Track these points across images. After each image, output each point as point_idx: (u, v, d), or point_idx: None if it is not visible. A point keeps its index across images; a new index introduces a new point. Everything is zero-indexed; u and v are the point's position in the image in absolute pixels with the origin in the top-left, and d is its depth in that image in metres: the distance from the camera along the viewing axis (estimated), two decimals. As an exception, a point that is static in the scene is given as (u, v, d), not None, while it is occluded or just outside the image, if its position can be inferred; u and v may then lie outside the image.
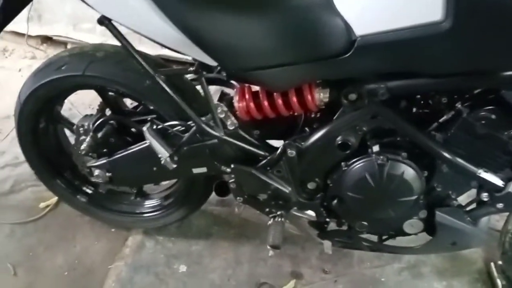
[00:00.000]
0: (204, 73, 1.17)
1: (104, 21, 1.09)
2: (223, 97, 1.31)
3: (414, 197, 1.20)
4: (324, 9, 1.03)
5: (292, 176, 1.26)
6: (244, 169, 1.27)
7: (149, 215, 1.69)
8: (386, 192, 1.19)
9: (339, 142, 1.17)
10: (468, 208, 1.25)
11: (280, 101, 1.17)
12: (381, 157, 1.14)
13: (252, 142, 1.27)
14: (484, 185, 1.15)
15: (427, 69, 1.02)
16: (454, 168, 1.14)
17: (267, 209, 1.36)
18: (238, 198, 1.35)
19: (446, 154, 1.12)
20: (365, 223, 1.32)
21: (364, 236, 1.39)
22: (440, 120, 1.14)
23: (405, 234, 1.32)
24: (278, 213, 1.34)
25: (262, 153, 1.27)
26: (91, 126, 1.35)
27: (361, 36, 1.00)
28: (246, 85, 1.21)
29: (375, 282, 1.68)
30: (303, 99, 1.16)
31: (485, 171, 1.11)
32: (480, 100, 1.08)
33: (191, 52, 1.10)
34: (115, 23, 1.11)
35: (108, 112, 1.46)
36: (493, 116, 1.07)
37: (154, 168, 1.36)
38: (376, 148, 1.16)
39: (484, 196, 1.18)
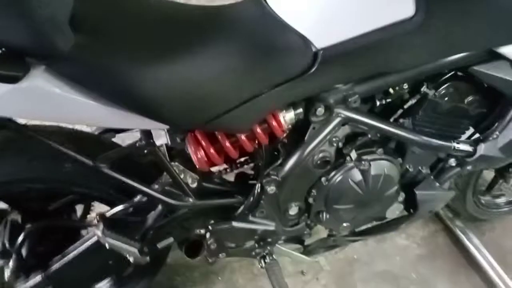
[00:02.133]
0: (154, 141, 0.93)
1: (4, 123, 0.78)
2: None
3: (396, 187, 1.19)
4: (276, 29, 0.90)
5: (275, 212, 1.13)
6: (224, 226, 1.10)
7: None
8: (372, 193, 1.15)
9: (319, 160, 1.07)
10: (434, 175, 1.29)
11: (243, 137, 1.01)
12: (362, 162, 1.08)
13: (223, 192, 1.10)
14: (452, 153, 1.18)
15: (398, 66, 0.97)
16: (427, 148, 1.14)
17: (253, 253, 1.21)
18: (220, 255, 1.17)
19: (418, 138, 1.11)
20: (348, 224, 1.27)
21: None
22: (405, 106, 1.11)
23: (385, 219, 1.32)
24: (265, 252, 1.21)
25: (235, 199, 1.10)
26: (8, 246, 1.01)
27: (322, 48, 0.89)
28: (195, 133, 1.02)
29: (351, 262, 1.69)
30: (267, 127, 1.02)
31: (457, 143, 1.13)
32: (441, 80, 1.08)
33: (133, 124, 0.86)
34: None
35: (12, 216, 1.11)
36: (452, 90, 1.09)
37: (110, 262, 1.10)
38: (353, 154, 1.09)
39: (452, 161, 1.22)
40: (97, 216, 0.97)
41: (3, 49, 0.70)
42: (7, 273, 1.04)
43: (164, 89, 0.81)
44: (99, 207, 1.30)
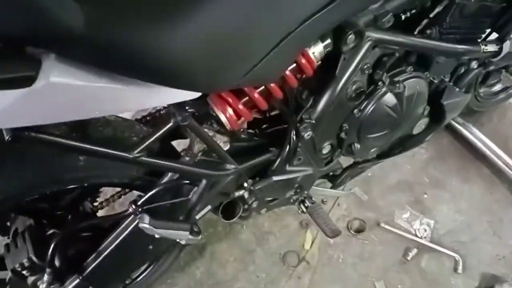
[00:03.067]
0: (188, 112, 0.79)
1: (20, 135, 0.62)
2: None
3: (425, 102, 1.13)
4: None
5: (311, 156, 1.06)
6: (264, 183, 1.02)
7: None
8: (406, 113, 1.09)
9: (353, 92, 0.99)
10: (454, 81, 1.24)
11: (273, 84, 0.90)
12: (396, 85, 1.01)
13: (255, 148, 1.00)
14: (479, 56, 1.12)
15: None
16: (455, 55, 1.08)
17: (291, 200, 1.15)
18: (261, 211, 1.10)
19: (449, 46, 1.04)
20: (376, 148, 1.23)
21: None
22: (431, 15, 1.02)
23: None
24: (302, 197, 1.15)
25: (271, 153, 1.01)
26: (36, 259, 0.89)
27: None
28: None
29: (366, 181, 1.69)
30: (296, 68, 0.91)
31: (485, 45, 1.07)
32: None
33: (165, 100, 0.72)
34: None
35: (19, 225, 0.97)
36: None
37: (150, 246, 1.00)
38: (385, 79, 1.01)
39: (474, 64, 1.17)
40: (134, 205, 0.86)
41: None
42: (42, 287, 0.93)
43: (193, 51, 0.67)
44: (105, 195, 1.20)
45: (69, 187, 0.92)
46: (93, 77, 0.60)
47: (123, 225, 0.94)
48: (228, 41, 0.71)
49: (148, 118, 1.08)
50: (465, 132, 1.78)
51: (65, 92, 0.58)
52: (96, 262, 0.98)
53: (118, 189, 1.15)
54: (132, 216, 0.90)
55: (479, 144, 1.75)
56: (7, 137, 0.63)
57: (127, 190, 1.12)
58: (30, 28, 0.51)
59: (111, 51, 0.59)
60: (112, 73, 0.62)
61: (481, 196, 1.68)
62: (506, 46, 1.10)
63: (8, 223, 1.05)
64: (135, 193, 1.04)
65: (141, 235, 0.91)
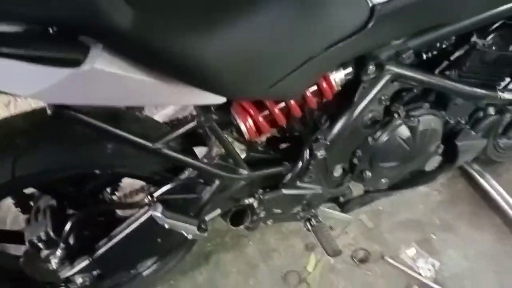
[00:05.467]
0: (212, 116, 0.87)
1: (62, 112, 0.70)
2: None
3: (439, 140, 1.17)
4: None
5: (322, 175, 1.11)
6: (273, 194, 1.07)
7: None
8: (418, 148, 1.13)
9: (368, 120, 1.04)
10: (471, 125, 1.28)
11: (292, 102, 0.96)
12: (411, 118, 1.06)
13: (270, 160, 1.06)
14: (496, 102, 1.16)
15: (454, 17, 0.92)
16: (472, 98, 1.12)
17: (298, 217, 1.20)
18: (268, 222, 1.15)
19: (466, 89, 1.08)
20: (387, 179, 1.26)
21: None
22: (451, 58, 1.07)
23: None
24: (309, 215, 1.20)
25: (284, 167, 1.07)
26: (53, 234, 0.96)
27: (379, 2, 0.84)
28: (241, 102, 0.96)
29: (376, 213, 1.71)
30: (317, 91, 0.97)
31: (502, 92, 1.12)
32: (490, 29, 1.04)
33: (193, 100, 0.79)
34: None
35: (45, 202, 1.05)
36: (499, 39, 1.07)
37: (159, 239, 1.06)
38: (401, 111, 1.06)
39: (491, 110, 1.21)
40: (149, 197, 0.92)
41: (54, 28, 0.62)
42: (54, 262, 1.00)
43: (227, 60, 0.75)
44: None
45: (95, 172, 1.00)
46: (134, 69, 0.68)
47: (137, 214, 1.00)
48: (258, 55, 0.79)
49: (174, 122, 1.16)
50: (481, 180, 1.78)
51: (106, 79, 0.66)
52: (107, 246, 1.04)
53: (136, 186, 1.22)
54: (147, 206, 0.96)
55: (494, 194, 1.75)
56: (50, 112, 0.71)
57: (144, 189, 1.19)
58: (84, 20, 0.60)
59: (153, 50, 0.67)
60: (151, 68, 0.70)
61: (490, 245, 1.67)
62: (524, 96, 1.14)
63: (31, 203, 1.13)
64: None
65: (152, 226, 0.98)
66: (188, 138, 0.96)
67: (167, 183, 0.96)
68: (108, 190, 1.21)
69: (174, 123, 1.08)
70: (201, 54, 0.71)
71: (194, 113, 0.94)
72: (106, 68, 0.64)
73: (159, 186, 1.00)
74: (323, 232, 1.17)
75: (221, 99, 0.81)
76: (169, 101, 0.78)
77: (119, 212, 1.24)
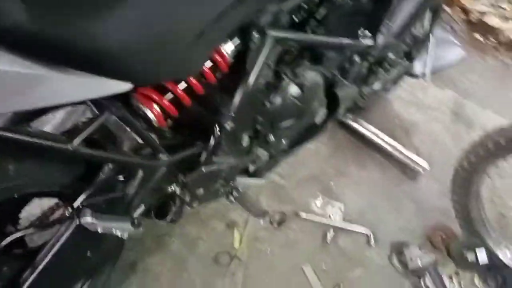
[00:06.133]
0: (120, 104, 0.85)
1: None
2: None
3: (322, 93, 1.31)
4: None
5: (233, 147, 1.16)
6: (195, 174, 1.08)
7: None
8: (309, 103, 1.25)
9: (262, 86, 1.11)
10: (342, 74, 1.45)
11: (194, 80, 0.99)
12: (297, 76, 1.17)
13: (183, 143, 1.07)
14: (358, 49, 1.34)
15: None
16: (340, 48, 1.27)
17: (220, 192, 1.23)
18: (194, 204, 1.16)
19: (336, 40, 1.23)
20: (286, 140, 1.37)
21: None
22: (318, 17, 1.21)
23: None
24: (230, 189, 1.24)
25: (199, 146, 1.09)
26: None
27: None
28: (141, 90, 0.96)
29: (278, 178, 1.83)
30: (213, 65, 1.01)
31: (363, 39, 1.29)
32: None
33: (96, 91, 0.77)
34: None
35: None
36: None
37: (88, 254, 1.00)
38: (288, 72, 1.16)
39: (356, 57, 1.38)
40: (70, 208, 0.87)
41: None
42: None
43: (121, 42, 0.73)
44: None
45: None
46: (30, 64, 0.65)
47: (59, 232, 0.93)
48: (154, 31, 0.79)
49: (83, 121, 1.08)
50: (357, 126, 2.03)
51: (4, 80, 0.61)
52: (33, 277, 0.95)
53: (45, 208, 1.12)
54: (68, 220, 0.90)
55: (370, 135, 2.01)
56: None
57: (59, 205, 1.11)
58: None
59: (50, 43, 0.65)
60: (50, 63, 0.67)
61: (377, 178, 1.92)
62: (380, 39, 1.32)
63: None
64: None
65: (82, 236, 0.92)
66: (100, 135, 0.92)
67: (83, 191, 0.91)
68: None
69: (83, 122, 1.03)
70: (93, 40, 0.69)
71: (95, 111, 0.91)
72: (8, 68, 0.60)
73: (75, 197, 0.95)
74: (246, 199, 1.22)
75: (127, 86, 0.80)
76: (74, 97, 0.74)
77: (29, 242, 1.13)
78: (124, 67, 0.76)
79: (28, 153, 0.83)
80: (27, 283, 0.94)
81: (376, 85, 2.08)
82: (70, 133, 0.83)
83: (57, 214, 1.03)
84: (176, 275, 1.51)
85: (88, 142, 0.89)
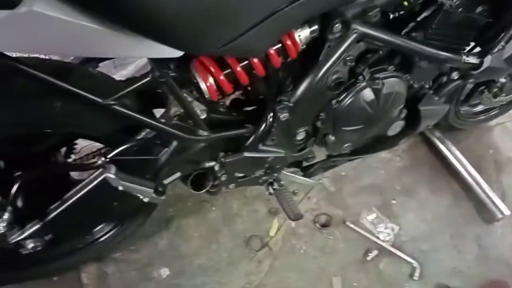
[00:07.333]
0: (169, 72, 0.81)
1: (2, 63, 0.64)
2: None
3: (403, 104, 1.17)
4: None
5: (285, 138, 1.08)
6: (235, 157, 1.04)
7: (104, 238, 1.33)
8: (382, 111, 1.12)
9: (332, 82, 1.01)
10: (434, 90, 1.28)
11: (256, 61, 0.92)
12: (376, 81, 1.04)
13: (232, 122, 1.02)
14: (459, 66, 1.16)
15: None
16: (436, 61, 1.11)
17: (260, 181, 1.18)
18: (230, 186, 1.12)
19: (432, 51, 1.07)
20: (350, 144, 1.26)
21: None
22: (418, 19, 1.05)
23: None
24: (272, 179, 1.18)
25: (246, 129, 1.03)
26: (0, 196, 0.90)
27: None
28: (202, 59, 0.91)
29: (339, 179, 1.72)
30: (281, 49, 0.93)
31: (466, 55, 1.11)
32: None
33: (144, 52, 0.74)
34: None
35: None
36: (466, 0, 1.04)
37: (115, 203, 1.02)
38: (366, 73, 1.04)
39: (454, 75, 1.21)
40: (103, 158, 0.87)
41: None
42: (1, 226, 0.94)
43: (180, 8, 0.69)
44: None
45: (44, 131, 0.93)
46: (79, 15, 0.62)
47: (90, 177, 0.95)
48: (214, 5, 0.73)
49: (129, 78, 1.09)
50: (441, 146, 1.82)
51: (47, 24, 0.59)
52: (59, 210, 0.99)
53: (94, 149, 1.16)
54: (100, 168, 0.91)
55: (453, 160, 1.79)
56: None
57: (100, 152, 1.13)
58: None
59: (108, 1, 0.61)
60: (99, 15, 0.64)
61: (447, 209, 1.72)
62: (487, 60, 1.13)
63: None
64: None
65: (105, 189, 0.93)
66: (145, 98, 0.90)
67: (123, 145, 0.91)
68: (63, 152, 1.15)
69: (129, 79, 1.02)
70: (148, 3, 0.65)
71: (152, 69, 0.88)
72: (46, 11, 0.58)
73: (115, 147, 0.95)
74: (285, 196, 1.15)
75: (176, 53, 0.76)
76: (120, 52, 0.72)
77: (74, 176, 1.18)
78: (175, 35, 0.72)
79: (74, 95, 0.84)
80: (52, 214, 0.99)
81: (478, 108, 1.86)
82: (114, 88, 0.82)
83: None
84: (206, 243, 1.51)
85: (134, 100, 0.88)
